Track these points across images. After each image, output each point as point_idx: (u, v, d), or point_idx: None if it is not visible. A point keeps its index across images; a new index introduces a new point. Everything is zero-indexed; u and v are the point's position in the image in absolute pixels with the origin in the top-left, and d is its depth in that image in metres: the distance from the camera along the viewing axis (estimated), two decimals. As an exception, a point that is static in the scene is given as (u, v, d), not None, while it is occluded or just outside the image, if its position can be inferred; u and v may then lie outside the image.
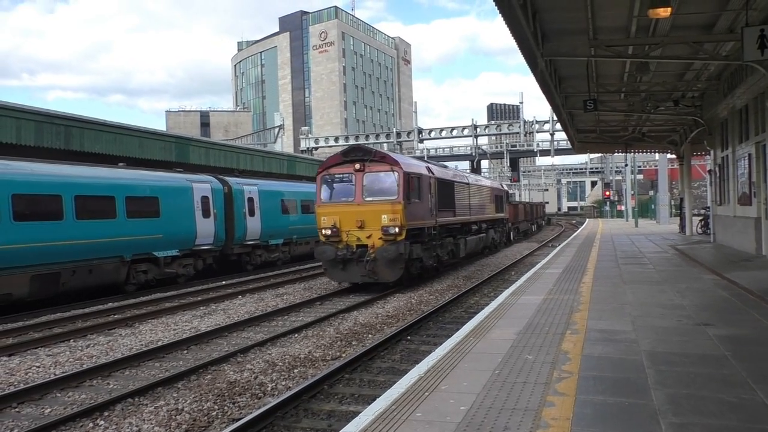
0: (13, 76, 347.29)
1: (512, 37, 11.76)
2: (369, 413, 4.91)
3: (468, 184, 22.84)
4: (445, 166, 23.25)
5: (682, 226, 29.34)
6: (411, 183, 15.82)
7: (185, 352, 10.21)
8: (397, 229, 15.22)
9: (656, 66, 15.93)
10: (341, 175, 16.00)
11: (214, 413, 7.02)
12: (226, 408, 7.19)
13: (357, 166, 15.71)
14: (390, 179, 15.52)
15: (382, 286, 16.37)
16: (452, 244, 20.34)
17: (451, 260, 21.28)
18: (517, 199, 76.67)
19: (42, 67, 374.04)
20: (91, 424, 6.70)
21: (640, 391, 5.22)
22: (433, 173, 18.00)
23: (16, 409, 7.41)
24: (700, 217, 29.34)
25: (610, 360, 6.28)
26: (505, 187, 34.07)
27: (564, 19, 12.50)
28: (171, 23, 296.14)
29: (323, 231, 15.88)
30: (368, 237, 15.56)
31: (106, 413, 7.05)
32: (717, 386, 5.30)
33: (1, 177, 13.78)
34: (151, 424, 6.65)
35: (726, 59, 14.28)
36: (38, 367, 9.31)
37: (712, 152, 22.48)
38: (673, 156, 33.67)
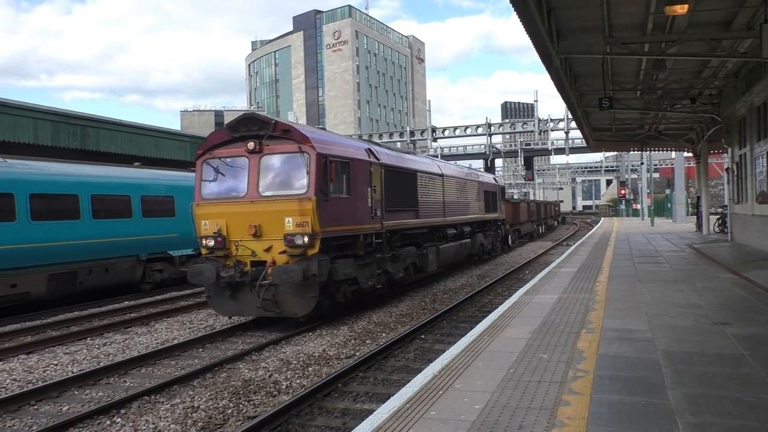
0: (32, 76, 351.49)
1: (527, 35, 11.71)
2: (383, 411, 4.91)
3: (442, 175, 18.07)
4: (409, 153, 18.49)
5: (699, 225, 29.07)
6: (331, 170, 11.15)
7: (200, 350, 10.27)
8: (306, 239, 10.59)
9: (673, 63, 15.77)
10: (229, 160, 11.48)
11: (230, 411, 7.05)
12: (241, 406, 7.23)
13: (250, 145, 11.13)
14: (297, 164, 10.96)
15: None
16: (414, 255, 15.57)
17: (415, 277, 16.38)
18: (531, 197, 76.31)
19: (60, 68, 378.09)
20: (108, 422, 6.76)
21: (657, 390, 5.18)
22: (377, 158, 13.28)
23: (35, 407, 7.49)
24: (717, 216, 29.05)
25: (626, 359, 6.24)
26: (500, 182, 28.46)
27: (579, 16, 12.42)
28: (186, 23, 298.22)
29: (204, 241, 11.33)
30: (267, 250, 10.93)
31: (123, 411, 7.10)
32: (735, 386, 5.25)
33: (19, 177, 13.94)
34: (168, 421, 6.70)
35: (744, 56, 14.11)
36: (56, 365, 9.40)
37: (729, 150, 22.26)
38: (690, 154, 33.36)
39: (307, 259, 10.72)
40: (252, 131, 11.26)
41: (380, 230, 13.14)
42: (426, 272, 16.87)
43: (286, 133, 11.15)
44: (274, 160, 11.22)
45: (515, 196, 65.37)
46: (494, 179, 27.09)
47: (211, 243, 11.24)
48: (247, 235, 11.00)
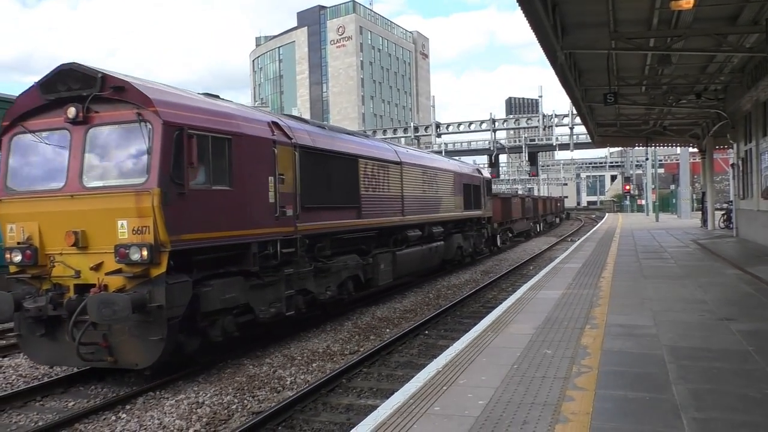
0: (37, 72, 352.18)
1: (531, 31, 11.67)
2: (387, 407, 4.92)
3: (399, 163, 14.51)
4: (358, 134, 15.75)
5: (704, 221, 28.99)
6: (191, 148, 7.65)
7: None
8: (144, 252, 7.19)
9: (678, 58, 15.72)
10: (45, 134, 7.95)
11: (234, 406, 7.07)
12: (245, 401, 7.24)
13: (71, 111, 7.60)
14: (135, 139, 7.55)
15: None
16: (355, 266, 12.25)
17: (357, 294, 12.99)
18: (536, 193, 76.13)
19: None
20: (113, 417, 6.79)
21: (662, 386, 5.17)
22: (288, 136, 9.86)
23: (41, 402, 7.51)
24: (723, 212, 28.98)
25: (631, 355, 6.23)
26: (485, 174, 24.36)
27: (584, 11, 12.37)
28: (191, 20, 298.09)
29: (10, 254, 7.80)
30: (95, 268, 7.49)
31: (128, 406, 7.13)
32: (740, 381, 5.24)
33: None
34: (173, 417, 6.72)
35: (750, 51, 14.04)
36: (61, 360, 9.41)
37: (735, 146, 22.18)
38: (695, 149, 33.26)
39: (149, 282, 7.31)
40: (74, 91, 7.67)
41: (292, 235, 9.63)
42: (376, 286, 13.61)
43: (121, 93, 7.54)
44: (105, 134, 7.73)
45: (519, 192, 65.04)
46: (478, 170, 23.30)
47: (18, 257, 7.71)
48: (67, 245, 7.51)
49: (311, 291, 10.63)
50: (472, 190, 20.81)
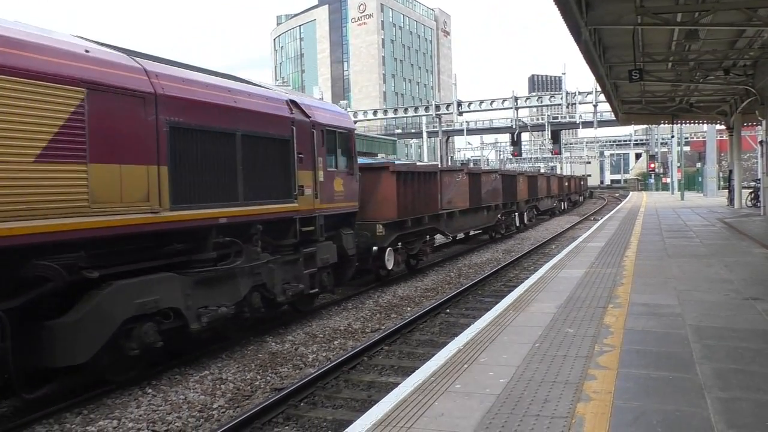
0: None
1: (555, 6, 11.47)
2: (408, 384, 4.95)
3: None
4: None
5: (731, 199, 28.54)
6: None
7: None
8: None
9: (706, 34, 15.35)
10: None
11: (257, 383, 7.17)
12: (268, 378, 7.34)
13: None
14: None
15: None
16: None
17: None
18: (558, 171, 75.13)
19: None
20: (140, 392, 6.91)
21: (685, 365, 5.13)
22: None
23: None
24: (750, 190, 28.48)
25: (654, 334, 6.18)
26: (322, 112, 10.73)
27: (609, -15, 12.12)
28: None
29: None
30: None
31: (153, 382, 7.25)
32: (766, 361, 5.17)
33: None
34: (197, 392, 6.83)
35: (781, 25, 13.69)
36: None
37: (763, 122, 21.73)
38: (722, 127, 32.63)
39: None
40: None
41: None
42: None
43: None
44: None
45: (542, 171, 63.97)
46: (292, 104, 9.75)
47: None
48: None
49: None
50: (238, 149, 8.29)
